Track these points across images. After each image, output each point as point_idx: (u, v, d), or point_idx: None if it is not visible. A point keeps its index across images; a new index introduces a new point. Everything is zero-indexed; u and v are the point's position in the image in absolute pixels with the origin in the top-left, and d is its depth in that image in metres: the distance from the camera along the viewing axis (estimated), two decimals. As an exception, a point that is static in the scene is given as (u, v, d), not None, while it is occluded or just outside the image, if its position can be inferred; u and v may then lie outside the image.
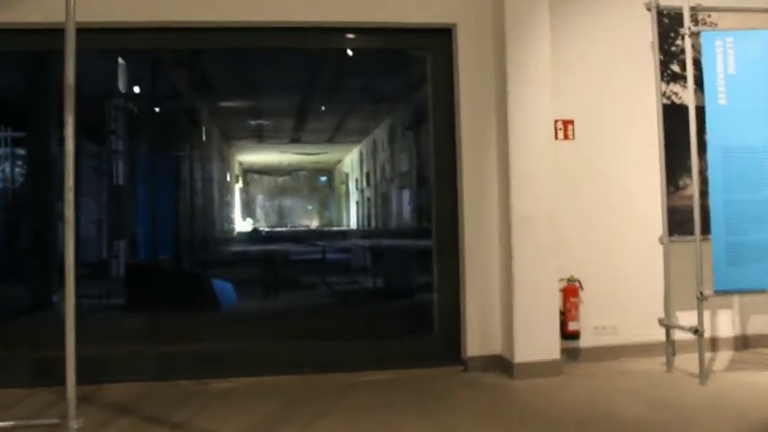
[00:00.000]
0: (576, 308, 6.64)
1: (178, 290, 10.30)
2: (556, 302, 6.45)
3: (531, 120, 6.41)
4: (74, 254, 4.24)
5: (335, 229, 39.51)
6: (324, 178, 45.06)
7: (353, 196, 39.94)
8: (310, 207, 45.51)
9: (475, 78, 6.72)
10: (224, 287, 11.05)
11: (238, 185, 39.62)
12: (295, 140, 33.46)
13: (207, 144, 25.14)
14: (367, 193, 36.27)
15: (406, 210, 29.32)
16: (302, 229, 40.02)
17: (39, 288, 10.87)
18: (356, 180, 38.62)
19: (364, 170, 36.46)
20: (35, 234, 10.98)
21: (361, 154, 37.20)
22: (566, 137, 6.83)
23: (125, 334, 8.49)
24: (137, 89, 13.92)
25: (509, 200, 6.36)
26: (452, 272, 6.85)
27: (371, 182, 34.81)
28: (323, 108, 20.14)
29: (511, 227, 6.34)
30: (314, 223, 44.22)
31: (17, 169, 14.15)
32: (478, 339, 6.64)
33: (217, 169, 29.25)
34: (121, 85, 17.86)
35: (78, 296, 9.62)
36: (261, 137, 32.61)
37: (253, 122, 28.71)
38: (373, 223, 34.39)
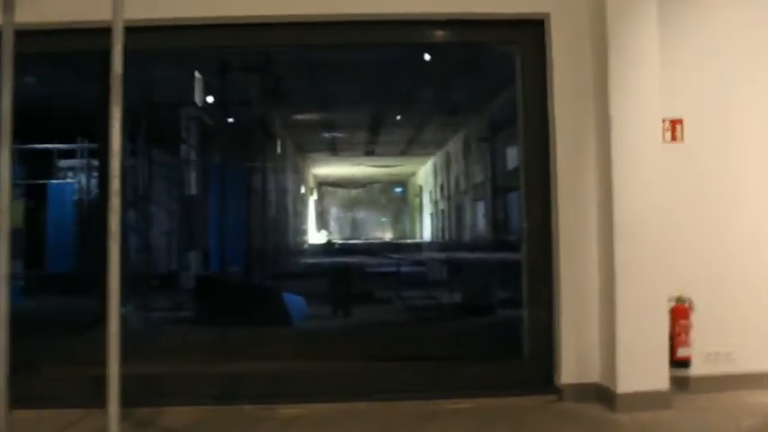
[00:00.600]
0: (687, 331, 5.80)
1: (247, 304, 9.77)
2: (665, 325, 5.62)
3: (637, 119, 5.61)
4: (119, 267, 3.67)
5: (409, 241, 38.98)
6: (399, 189, 44.56)
7: (427, 208, 39.44)
8: (384, 219, 45.10)
9: (571, 75, 5.95)
10: (295, 301, 10.49)
11: (313, 198, 39.47)
12: (369, 153, 33.28)
13: (281, 156, 24.92)
14: (441, 205, 35.73)
15: (481, 222, 28.58)
16: (375, 241, 39.53)
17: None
18: (430, 192, 38.15)
19: (438, 182, 35.96)
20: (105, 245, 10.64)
21: (434, 166, 36.72)
22: (673, 138, 5.99)
23: (191, 351, 7.97)
24: (210, 99, 13.61)
25: (611, 210, 5.57)
26: (545, 289, 6.08)
27: (445, 194, 34.26)
28: (398, 118, 19.41)
29: (613, 240, 5.53)
30: (387, 235, 43.77)
31: (92, 180, 13.96)
32: (574, 365, 5.83)
33: (291, 181, 29.07)
34: (197, 97, 17.70)
35: (146, 308, 9.20)
36: (335, 149, 32.55)
37: (327, 135, 28.53)
38: (447, 235, 33.75)
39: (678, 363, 5.76)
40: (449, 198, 33.85)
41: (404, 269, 18.61)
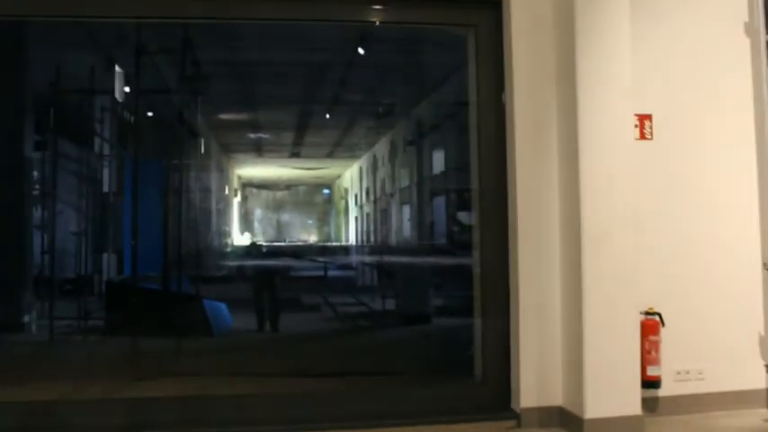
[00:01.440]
0: (657, 349, 5.12)
1: (164, 312, 8.73)
2: (636, 342, 4.93)
3: (607, 114, 4.92)
4: None
5: (335, 244, 38.15)
6: (326, 191, 43.67)
7: (353, 212, 38.78)
8: (309, 222, 44.17)
9: (532, 63, 5.20)
10: (217, 309, 9.51)
11: (237, 199, 38.29)
12: (295, 155, 32.35)
13: (205, 156, 23.79)
14: (367, 209, 35.08)
15: (407, 225, 28.03)
16: (301, 243, 38.57)
17: (8, 307, 9.31)
18: (356, 195, 37.49)
19: (364, 185, 35.30)
20: (5, 247, 9.44)
21: (360, 169, 36.06)
22: (642, 136, 5.32)
23: (96, 368, 6.97)
24: (127, 89, 12.51)
25: (579, 215, 4.84)
26: (500, 299, 5.32)
27: (371, 197, 33.66)
28: (327, 116, 18.63)
29: (581, 247, 4.81)
30: (312, 238, 42.88)
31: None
32: (535, 386, 5.07)
33: (215, 181, 27.89)
34: (115, 88, 16.45)
35: (51, 317, 8.07)
36: (260, 150, 31.50)
37: (252, 135, 27.54)
38: (373, 239, 33.13)
39: (648, 383, 5.07)
40: (375, 201, 33.23)
41: (331, 273, 17.74)
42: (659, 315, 5.17)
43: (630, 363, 4.86)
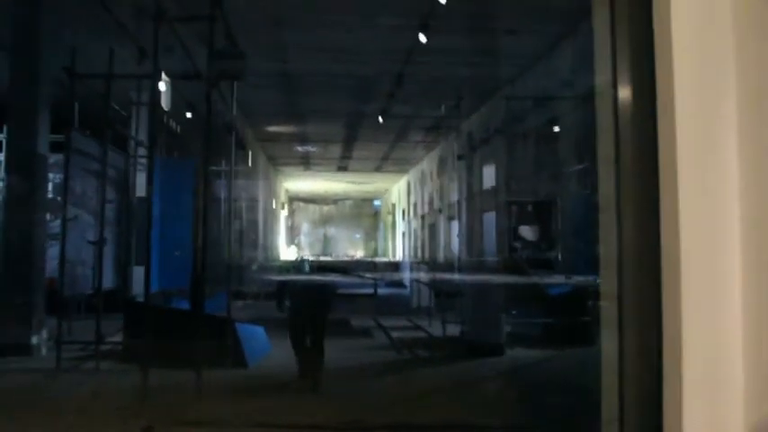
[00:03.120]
0: None
1: (190, 336, 6.98)
2: None
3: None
4: None
5: (384, 259, 36.42)
6: (377, 202, 41.99)
7: (400, 227, 37.18)
8: (357, 236, 42.50)
9: (699, 32, 3.29)
10: (254, 334, 7.77)
11: (284, 212, 36.90)
12: (342, 168, 31.11)
13: (253, 168, 22.44)
14: (414, 224, 33.51)
15: (456, 242, 26.50)
16: (348, 259, 36.92)
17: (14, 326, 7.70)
18: (403, 210, 35.92)
19: (412, 200, 33.78)
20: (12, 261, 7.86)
21: (408, 184, 34.55)
22: None
23: (99, 405, 5.28)
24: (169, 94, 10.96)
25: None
26: (650, 336, 3.39)
27: (419, 212, 32.17)
28: (380, 120, 17.09)
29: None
30: (359, 253, 41.21)
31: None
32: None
33: (262, 194, 26.54)
34: (164, 102, 15.00)
35: (60, 339, 6.40)
36: (307, 163, 30.32)
37: (300, 149, 26.44)
38: (420, 254, 31.53)
39: None
40: (423, 217, 31.64)
41: (381, 291, 15.88)
42: None
43: None
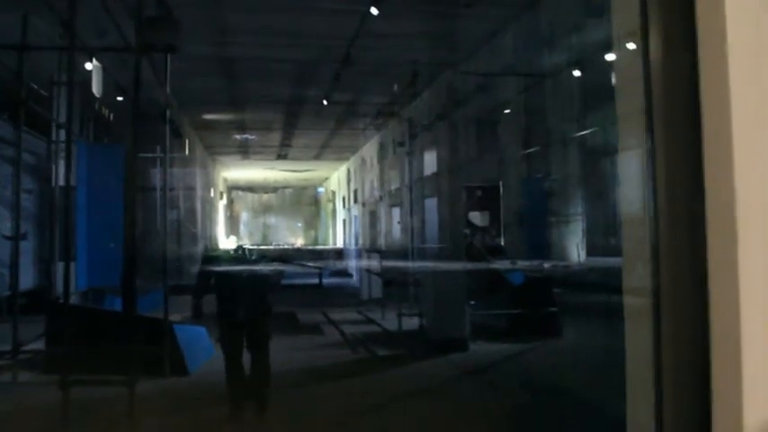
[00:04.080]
0: None
1: (120, 340, 5.99)
2: None
3: None
4: None
5: (327, 247, 35.57)
6: (321, 189, 40.98)
7: (340, 214, 36.40)
8: (298, 225, 41.49)
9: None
10: (194, 335, 6.82)
11: (222, 202, 35.63)
12: (282, 156, 30.18)
13: (190, 156, 21.32)
14: (354, 212, 32.77)
15: (396, 229, 25.88)
16: (289, 247, 35.97)
17: None
18: (343, 198, 35.14)
19: (352, 187, 33.03)
20: None
21: (348, 171, 33.78)
22: None
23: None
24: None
25: None
26: (693, 351, 2.65)
27: (359, 199, 31.47)
28: (324, 103, 16.24)
29: None
30: (299, 241, 40.26)
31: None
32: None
33: (199, 183, 25.36)
34: (95, 87, 13.82)
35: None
36: (246, 152, 29.31)
37: (239, 137, 25.45)
38: (362, 242, 30.85)
39: None
40: (363, 204, 30.96)
41: (327, 280, 14.99)
42: None
43: None
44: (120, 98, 12.15)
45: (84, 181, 8.30)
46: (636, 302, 2.89)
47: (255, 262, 6.10)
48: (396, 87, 15.66)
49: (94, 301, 9.23)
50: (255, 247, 32.85)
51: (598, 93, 14.70)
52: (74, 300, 9.59)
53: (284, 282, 12.76)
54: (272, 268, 6.35)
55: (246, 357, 5.45)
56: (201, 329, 7.33)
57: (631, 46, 2.85)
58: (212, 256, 7.64)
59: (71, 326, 6.44)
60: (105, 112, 14.85)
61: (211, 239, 29.71)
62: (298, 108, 19.95)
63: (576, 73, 12.17)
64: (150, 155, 11.32)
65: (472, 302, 8.39)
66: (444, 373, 6.75)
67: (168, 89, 7.15)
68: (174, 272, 13.04)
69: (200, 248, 23.97)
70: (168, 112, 7.30)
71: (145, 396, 5.59)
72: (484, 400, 5.72)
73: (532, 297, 8.75)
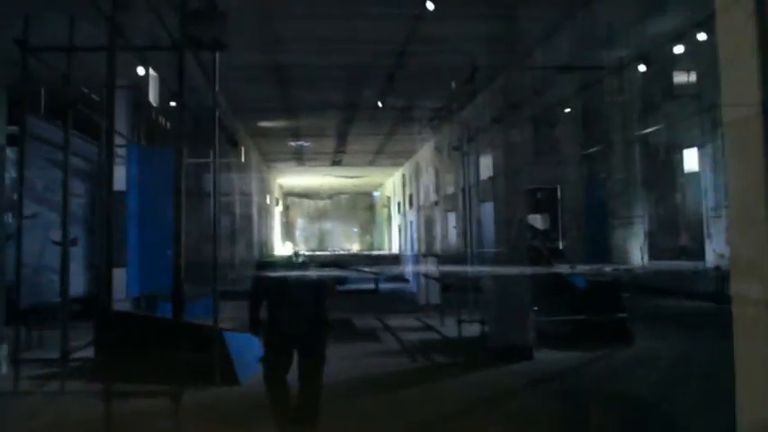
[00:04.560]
0: None
1: (170, 349, 5.69)
2: None
3: None
4: None
5: (382, 252, 35.25)
6: (377, 193, 40.65)
7: (395, 219, 36.07)
8: (354, 230, 41.28)
9: None
10: (246, 343, 6.47)
11: (278, 208, 35.66)
12: (336, 163, 30.03)
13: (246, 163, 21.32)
14: (410, 217, 32.39)
15: (452, 233, 25.39)
16: (344, 252, 35.76)
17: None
18: (398, 203, 34.78)
19: (407, 192, 32.66)
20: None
21: (403, 176, 33.43)
22: None
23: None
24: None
25: None
26: None
27: (414, 204, 31.09)
28: (379, 104, 15.85)
29: None
30: (355, 247, 40.05)
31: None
32: None
33: (255, 190, 25.34)
34: (151, 96, 13.78)
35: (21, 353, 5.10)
36: (301, 159, 29.27)
37: (293, 143, 25.38)
38: (417, 247, 30.42)
39: None
40: (419, 209, 30.54)
41: (383, 286, 14.58)
42: None
43: None
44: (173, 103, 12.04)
45: (136, 185, 8.10)
46: (747, 309, 2.44)
47: (308, 267, 5.52)
48: (451, 90, 15.28)
49: (147, 308, 9.03)
50: (311, 252, 32.81)
51: (661, 89, 14.11)
52: (126, 306, 9.42)
53: (339, 287, 12.39)
54: (327, 273, 5.79)
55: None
56: (253, 337, 7.00)
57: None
58: (267, 262, 7.19)
59: (119, 333, 6.19)
60: (163, 120, 14.82)
61: (267, 245, 29.68)
62: (351, 114, 19.78)
63: (641, 68, 11.55)
64: (203, 160, 11.11)
65: (535, 308, 7.84)
66: (508, 384, 6.24)
67: (217, 88, 6.81)
68: (226, 278, 12.84)
69: (255, 254, 23.88)
70: (217, 112, 6.91)
71: (191, 407, 5.26)
72: (554, 415, 5.20)
73: (599, 302, 8.17)
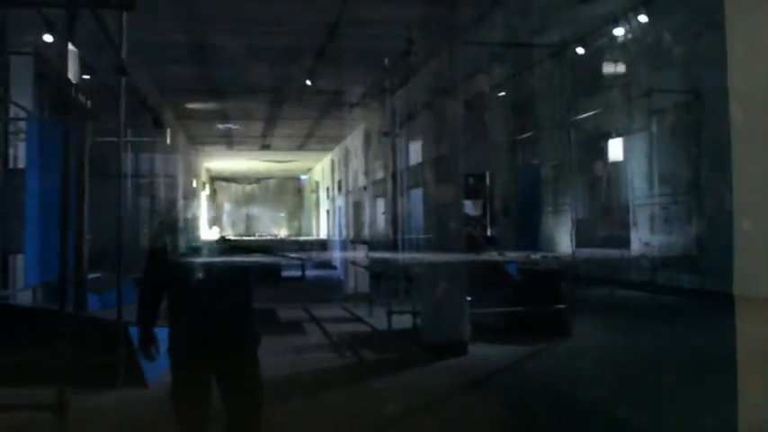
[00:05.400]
0: None
1: (60, 344, 4.88)
2: None
3: None
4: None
5: (309, 238, 34.58)
6: (305, 177, 39.83)
7: (324, 205, 35.44)
8: (281, 215, 40.48)
9: None
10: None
11: (205, 192, 34.53)
12: (265, 147, 29.30)
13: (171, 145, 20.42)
14: (338, 202, 31.82)
15: (381, 219, 25.04)
16: (272, 238, 34.96)
17: None
18: (327, 188, 34.16)
19: (336, 178, 32.07)
20: None
21: (332, 162, 32.82)
22: None
23: None
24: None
25: None
26: None
27: (343, 189, 30.55)
28: (308, 83, 15.28)
29: None
30: (282, 232, 39.29)
31: None
32: None
33: (181, 174, 24.32)
34: (71, 73, 12.60)
35: None
36: (229, 142, 28.42)
37: (221, 126, 24.58)
38: (345, 233, 29.89)
39: None
40: (347, 194, 30.04)
41: (310, 273, 13.89)
42: None
43: None
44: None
45: (37, 163, 7.14)
46: (749, 300, 2.15)
47: (230, 253, 4.19)
48: (382, 74, 14.84)
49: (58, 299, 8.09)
50: (238, 238, 31.85)
51: (595, 75, 13.88)
52: (28, 296, 8.47)
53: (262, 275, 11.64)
54: (254, 260, 4.58)
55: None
56: (164, 331, 6.24)
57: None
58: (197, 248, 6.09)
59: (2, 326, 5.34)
60: (84, 99, 13.80)
61: (193, 230, 28.66)
62: (280, 97, 19.17)
63: (579, 51, 11.23)
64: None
65: (469, 298, 7.29)
66: (444, 383, 5.66)
67: (123, 51, 6.01)
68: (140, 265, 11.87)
69: (180, 239, 22.91)
70: (123, 80, 6.11)
71: (84, 415, 4.49)
72: (495, 417, 4.66)
73: (537, 292, 7.71)
